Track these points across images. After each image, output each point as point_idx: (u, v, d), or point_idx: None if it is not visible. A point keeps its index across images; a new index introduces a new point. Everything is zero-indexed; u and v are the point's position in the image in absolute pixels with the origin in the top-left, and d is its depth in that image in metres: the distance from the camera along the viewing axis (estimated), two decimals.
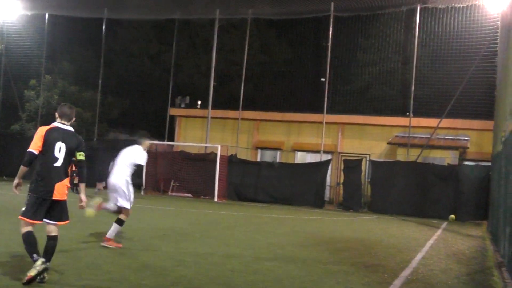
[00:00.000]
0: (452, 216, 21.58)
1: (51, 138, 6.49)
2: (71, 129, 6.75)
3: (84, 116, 31.64)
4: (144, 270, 7.44)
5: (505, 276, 9.01)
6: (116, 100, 36.38)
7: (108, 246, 9.13)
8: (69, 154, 6.63)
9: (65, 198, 6.60)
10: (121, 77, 36.70)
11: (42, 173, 6.43)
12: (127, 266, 7.67)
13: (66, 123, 6.71)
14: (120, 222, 9.43)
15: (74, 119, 6.84)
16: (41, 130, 6.54)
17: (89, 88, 33.65)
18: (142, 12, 32.19)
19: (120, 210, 9.51)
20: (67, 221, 6.69)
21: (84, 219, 12.84)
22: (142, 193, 25.26)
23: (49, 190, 6.39)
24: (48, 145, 6.46)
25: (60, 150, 6.51)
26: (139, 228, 12.46)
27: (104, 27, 31.58)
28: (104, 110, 33.63)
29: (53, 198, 6.42)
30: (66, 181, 6.60)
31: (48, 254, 6.38)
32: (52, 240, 6.47)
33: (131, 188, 9.59)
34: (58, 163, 6.50)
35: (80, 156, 6.71)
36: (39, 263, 6.11)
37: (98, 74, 31.76)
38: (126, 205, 9.51)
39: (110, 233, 9.31)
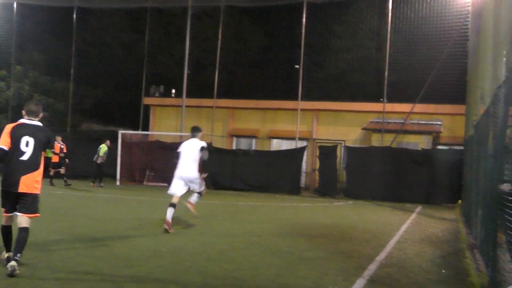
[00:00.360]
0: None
1: (17, 133, 6.56)
2: (40, 124, 6.78)
3: (56, 107, 31.19)
4: (119, 262, 7.37)
5: (477, 257, 9.16)
6: (89, 90, 35.87)
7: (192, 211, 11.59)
8: (39, 148, 6.63)
9: (34, 191, 6.54)
10: (94, 66, 36.14)
11: (8, 166, 6.51)
12: (101, 258, 7.58)
13: (33, 119, 6.75)
14: (192, 203, 11.66)
15: (41, 114, 6.88)
16: (8, 127, 6.63)
17: (61, 79, 33.13)
18: (114, 1, 31.74)
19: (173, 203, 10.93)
20: (36, 214, 6.66)
21: (57, 212, 12.72)
22: (118, 183, 25.04)
23: (14, 182, 6.44)
24: (14, 140, 6.53)
25: (27, 144, 6.55)
26: (114, 219, 12.37)
27: (75, 15, 31.09)
28: (77, 100, 33.16)
29: (19, 190, 6.46)
30: (35, 175, 6.55)
31: (19, 246, 6.34)
32: (23, 232, 6.45)
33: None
34: (25, 157, 6.52)
35: (49, 153, 6.97)
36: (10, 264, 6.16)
37: (70, 64, 31.30)
38: (201, 189, 11.74)
39: (190, 206, 11.60)
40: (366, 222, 14.56)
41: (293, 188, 24.92)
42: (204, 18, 36.12)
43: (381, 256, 8.88)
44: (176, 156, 11.50)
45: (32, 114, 6.74)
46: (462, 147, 21.38)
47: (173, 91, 32.23)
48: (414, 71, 27.20)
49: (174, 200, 10.92)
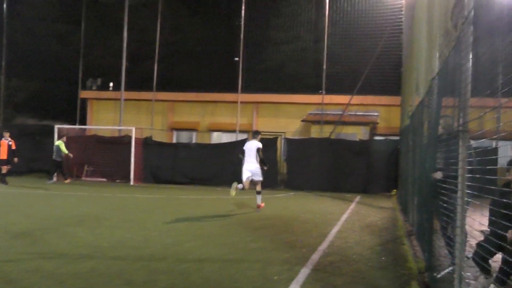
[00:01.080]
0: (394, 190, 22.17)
1: None
2: None
3: None
4: (60, 259, 7.22)
5: (414, 243, 9.48)
6: (22, 83, 34.70)
7: (261, 208, 14.74)
8: None
9: None
10: (26, 59, 34.97)
11: None
12: (41, 255, 7.40)
13: None
14: (259, 192, 14.94)
15: None
16: None
17: None
18: None
19: (244, 187, 14.69)
20: None
21: None
22: (54, 179, 24.40)
23: None
24: None
25: None
26: (53, 215, 12.07)
27: (5, 5, 29.94)
28: (10, 93, 32.02)
29: None
30: None
31: None
32: None
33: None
34: None
35: None
36: None
37: (1, 56, 30.14)
38: (261, 178, 14.94)
39: (259, 201, 14.90)
40: (308, 212, 14.80)
41: (234, 180, 24.90)
42: (141, 9, 35.54)
43: (324, 245, 9.06)
44: (242, 152, 15.10)
45: None
46: (398, 137, 22.03)
47: (111, 84, 31.59)
48: (351, 63, 27.77)
49: (246, 186, 14.75)
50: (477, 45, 4.58)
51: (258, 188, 14.92)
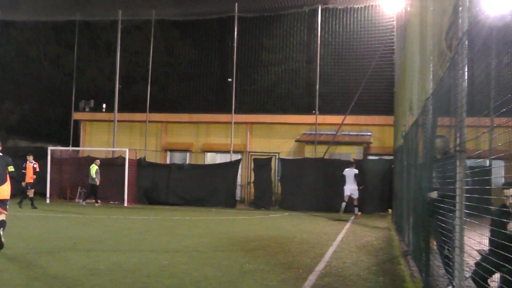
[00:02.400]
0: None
1: None
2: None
3: None
4: (56, 282, 7.15)
5: (410, 264, 9.47)
6: (15, 106, 34.68)
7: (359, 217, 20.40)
8: None
9: None
10: (18, 81, 35.02)
11: None
12: (36, 278, 7.33)
13: None
14: (357, 205, 20.91)
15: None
16: None
17: None
18: (39, 14, 30.84)
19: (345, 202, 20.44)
20: None
21: None
22: (47, 201, 24.26)
23: None
24: None
25: None
26: (47, 238, 11.98)
27: None
28: (2, 116, 31.96)
29: None
30: None
31: None
32: None
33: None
34: None
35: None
36: None
37: None
38: (357, 196, 20.81)
39: (356, 211, 20.83)
40: (303, 233, 14.76)
41: (228, 201, 24.94)
42: (134, 31, 35.74)
43: (320, 266, 9.04)
44: (343, 178, 20.83)
45: None
46: (391, 157, 22.09)
47: (104, 105, 31.59)
48: (344, 84, 27.98)
49: (346, 199, 20.44)
50: (472, 65, 4.64)
51: (356, 202, 20.79)
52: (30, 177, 20.85)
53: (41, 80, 36.76)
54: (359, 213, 20.82)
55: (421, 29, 8.82)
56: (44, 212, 19.53)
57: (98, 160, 24.02)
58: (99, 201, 23.75)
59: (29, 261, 8.74)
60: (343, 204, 20.29)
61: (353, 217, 20.11)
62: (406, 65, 13.54)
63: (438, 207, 6.06)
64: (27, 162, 21.02)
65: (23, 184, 20.57)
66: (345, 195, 20.54)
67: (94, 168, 23.50)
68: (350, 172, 20.81)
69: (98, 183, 23.51)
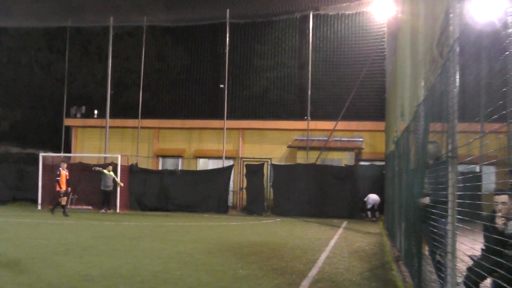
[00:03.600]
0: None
1: None
2: None
3: None
4: None
5: (402, 269, 9.52)
6: (6, 112, 34.57)
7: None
8: None
9: None
10: (9, 87, 34.91)
11: None
12: (30, 286, 7.30)
13: None
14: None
15: None
16: None
17: None
18: (31, 20, 30.79)
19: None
20: None
21: None
22: (39, 207, 24.16)
23: None
24: None
25: None
26: (40, 244, 11.93)
27: None
28: None
29: None
30: None
31: None
32: None
33: None
34: None
35: None
36: None
37: None
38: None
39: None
40: (295, 238, 14.79)
41: (221, 207, 24.95)
42: (126, 37, 35.76)
43: (313, 271, 9.06)
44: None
45: None
46: (383, 162, 22.18)
47: (96, 111, 31.54)
48: (335, 89, 28.09)
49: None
50: (463, 71, 4.70)
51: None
52: (63, 185, 20.73)
53: (33, 86, 36.68)
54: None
55: (412, 35, 8.90)
56: (36, 219, 19.44)
57: (111, 166, 23.90)
58: (111, 209, 23.69)
59: (22, 268, 8.70)
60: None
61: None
62: (398, 71, 13.63)
63: (430, 213, 6.11)
64: (61, 169, 20.92)
65: (61, 190, 20.67)
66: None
67: (110, 173, 23.43)
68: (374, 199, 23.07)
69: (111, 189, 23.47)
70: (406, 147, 9.46)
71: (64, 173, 20.99)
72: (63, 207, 20.87)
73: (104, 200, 23.74)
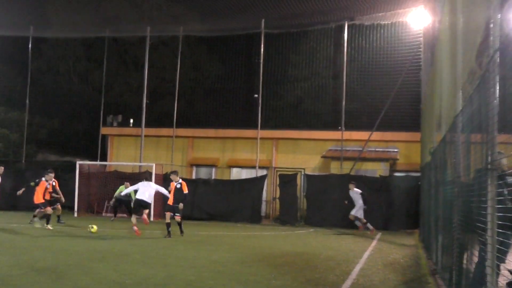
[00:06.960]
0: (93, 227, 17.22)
1: None
2: None
3: (11, 138, 30.50)
4: None
5: (439, 282, 9.33)
6: (45, 120, 35.34)
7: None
8: None
9: None
10: (48, 96, 35.69)
11: None
12: None
13: None
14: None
15: None
16: None
17: (15, 108, 32.53)
18: (69, 30, 31.48)
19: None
20: None
21: (15, 246, 12.40)
22: (75, 215, 24.54)
23: None
24: None
25: None
26: (76, 251, 12.11)
27: (30, 45, 30.63)
28: (32, 130, 32.55)
29: None
30: None
31: None
32: None
33: None
34: None
35: None
36: None
37: (25, 94, 30.70)
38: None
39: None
40: (329, 249, 14.67)
41: (253, 217, 24.92)
42: (162, 47, 36.26)
43: (347, 283, 8.97)
44: (363, 196, 21.43)
45: None
46: (418, 174, 21.85)
47: (131, 120, 31.96)
48: (370, 100, 27.89)
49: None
50: (504, 83, 4.61)
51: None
52: (39, 195, 18.41)
53: (71, 95, 37.44)
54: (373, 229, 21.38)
55: (451, 45, 8.77)
56: (72, 226, 19.74)
57: (128, 183, 23.74)
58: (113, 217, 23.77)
59: (59, 274, 8.84)
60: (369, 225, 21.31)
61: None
62: (435, 82, 13.44)
63: (476, 226, 5.98)
64: (43, 179, 18.62)
65: (38, 203, 18.31)
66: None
67: (122, 188, 23.44)
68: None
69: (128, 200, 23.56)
70: (443, 158, 9.30)
71: (46, 184, 18.33)
72: (46, 216, 18.26)
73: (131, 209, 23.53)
